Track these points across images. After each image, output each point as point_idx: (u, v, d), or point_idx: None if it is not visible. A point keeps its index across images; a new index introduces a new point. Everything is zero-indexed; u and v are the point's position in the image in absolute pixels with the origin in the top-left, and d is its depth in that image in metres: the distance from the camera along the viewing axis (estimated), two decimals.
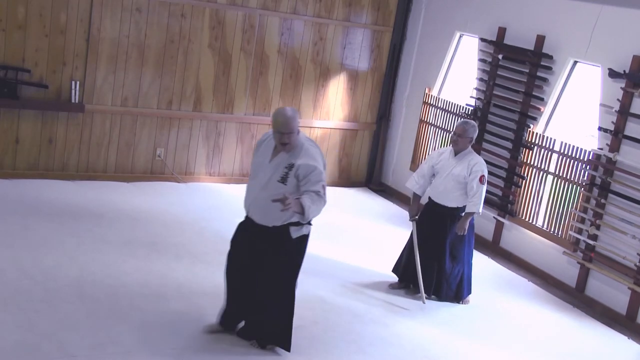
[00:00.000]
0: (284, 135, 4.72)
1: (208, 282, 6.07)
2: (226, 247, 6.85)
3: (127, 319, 5.22)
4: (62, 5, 7.67)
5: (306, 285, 6.33)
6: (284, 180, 4.76)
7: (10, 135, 7.76)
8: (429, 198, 6.51)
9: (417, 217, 6.45)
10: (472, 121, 6.56)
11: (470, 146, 6.34)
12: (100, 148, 8.17)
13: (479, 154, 7.01)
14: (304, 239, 5.00)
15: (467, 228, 6.29)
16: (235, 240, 5.11)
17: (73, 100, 7.83)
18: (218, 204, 8.17)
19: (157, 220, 7.27)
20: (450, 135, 8.66)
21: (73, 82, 7.83)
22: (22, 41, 7.57)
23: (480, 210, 6.28)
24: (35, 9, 7.56)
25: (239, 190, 8.67)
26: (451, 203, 6.33)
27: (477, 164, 6.25)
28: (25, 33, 7.57)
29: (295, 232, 4.89)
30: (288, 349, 5.03)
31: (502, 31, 8.16)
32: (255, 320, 5.07)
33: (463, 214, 6.30)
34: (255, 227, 4.91)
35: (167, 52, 8.28)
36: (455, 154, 6.33)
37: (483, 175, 6.25)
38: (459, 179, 6.25)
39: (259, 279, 4.95)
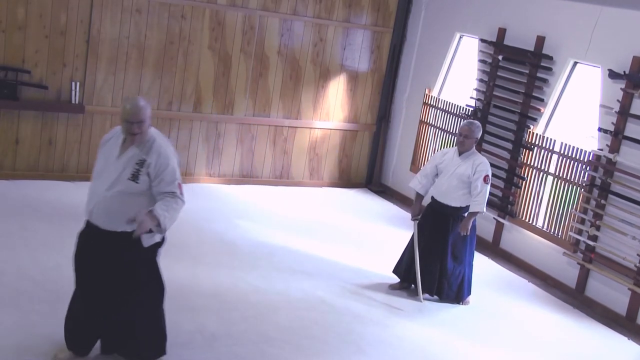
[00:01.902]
0: (134, 125, 4.25)
1: (208, 283, 6.07)
2: (227, 248, 6.90)
3: None
4: (62, 6, 7.68)
5: (306, 286, 6.34)
6: (135, 177, 4.27)
7: (10, 136, 7.76)
8: (432, 197, 6.50)
9: (419, 217, 6.45)
10: (477, 121, 6.56)
11: (474, 146, 6.36)
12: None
13: None
14: (158, 246, 4.48)
15: (470, 228, 6.28)
16: (79, 256, 4.46)
17: (73, 101, 7.83)
18: (218, 205, 8.17)
19: None
20: (451, 136, 8.73)
21: (73, 83, 7.83)
22: (22, 42, 7.57)
23: (484, 210, 6.28)
24: (36, 10, 7.56)
25: (240, 191, 8.76)
26: (454, 202, 6.32)
27: (482, 164, 6.26)
28: (26, 34, 7.57)
29: (147, 240, 4.34)
30: (164, 352, 4.68)
31: (502, 32, 8.16)
32: (129, 342, 4.53)
33: (466, 213, 6.30)
34: (101, 235, 4.33)
35: (167, 53, 8.28)
36: (460, 153, 6.34)
37: (487, 175, 6.26)
38: (463, 178, 6.25)
39: (119, 294, 4.40)
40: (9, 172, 7.76)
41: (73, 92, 7.82)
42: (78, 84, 7.85)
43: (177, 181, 4.37)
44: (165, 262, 6.30)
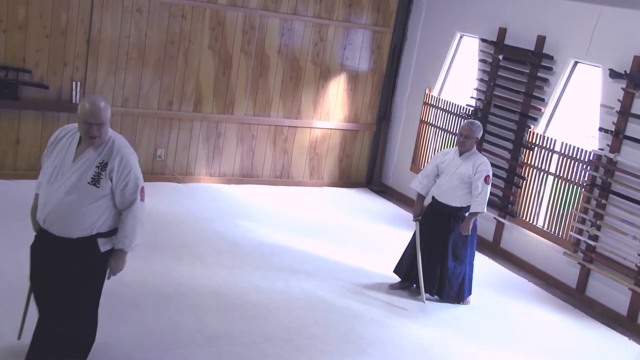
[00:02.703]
0: (93, 127, 3.97)
1: (208, 283, 6.07)
2: (228, 248, 6.90)
3: (128, 319, 5.22)
4: (63, 6, 7.68)
5: (306, 286, 6.34)
6: (95, 181, 4.02)
7: (11, 136, 7.76)
8: (433, 197, 6.50)
9: (420, 217, 6.45)
10: (477, 121, 6.56)
11: (475, 146, 6.36)
12: None
13: None
14: (109, 253, 4.25)
15: (470, 228, 6.28)
16: (36, 272, 4.25)
17: (73, 101, 7.83)
18: (218, 204, 8.17)
19: (158, 221, 7.26)
20: (452, 135, 8.73)
21: (74, 83, 7.83)
22: (23, 42, 7.57)
23: (485, 210, 6.28)
24: (36, 10, 7.56)
25: (240, 191, 8.76)
26: (455, 202, 6.32)
27: (483, 164, 6.26)
28: (26, 34, 7.57)
29: (103, 245, 4.17)
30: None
31: (502, 32, 8.16)
32: (62, 348, 4.30)
33: (467, 214, 6.30)
34: (55, 243, 4.10)
35: (167, 52, 8.28)
36: (461, 153, 6.33)
37: (488, 175, 6.26)
38: (463, 178, 6.25)
39: (66, 300, 4.20)
40: (10, 172, 7.76)
41: (74, 92, 7.82)
42: (79, 83, 7.85)
43: (140, 186, 4.16)
44: (165, 262, 6.34)
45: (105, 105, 4.02)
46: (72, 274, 4.15)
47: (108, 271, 4.30)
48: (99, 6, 7.83)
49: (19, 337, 4.61)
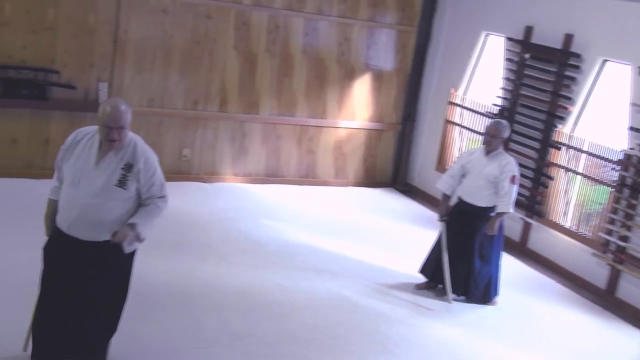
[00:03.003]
0: (114, 131, 3.95)
1: (233, 282, 6.08)
2: (252, 247, 6.91)
3: (153, 318, 5.24)
4: (90, 7, 7.74)
5: (331, 286, 6.33)
6: (122, 183, 4.02)
7: (40, 136, 7.84)
8: (459, 198, 6.46)
9: (446, 217, 6.41)
10: (504, 121, 6.50)
11: (502, 146, 6.30)
12: None
13: None
14: (134, 253, 4.27)
15: (497, 228, 6.23)
16: (52, 272, 4.17)
17: (100, 101, 7.89)
18: (243, 204, 8.18)
19: (183, 221, 7.29)
20: (477, 135, 8.66)
21: (100, 83, 7.90)
22: (52, 43, 7.65)
23: (512, 210, 6.22)
24: (65, 11, 7.63)
25: (265, 191, 8.77)
26: (481, 202, 6.27)
27: (509, 164, 6.20)
28: (55, 35, 7.64)
29: (128, 246, 4.13)
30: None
31: (529, 30, 8.08)
32: (84, 348, 4.28)
33: (493, 214, 6.25)
34: (80, 247, 4.06)
35: (192, 53, 8.31)
36: (487, 153, 6.28)
37: (514, 176, 6.20)
38: (489, 178, 6.20)
39: (90, 302, 4.17)
40: (40, 172, 7.83)
41: (100, 92, 7.88)
42: (106, 84, 7.91)
43: (164, 185, 4.19)
44: (190, 262, 6.36)
45: (125, 109, 4.00)
46: (98, 276, 4.14)
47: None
48: (126, 7, 7.89)
49: (25, 349, 4.41)
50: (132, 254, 4.25)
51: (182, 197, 8.06)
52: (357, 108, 9.39)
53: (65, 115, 7.86)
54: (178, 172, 8.56)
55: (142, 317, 5.20)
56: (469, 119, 8.92)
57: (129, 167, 4.05)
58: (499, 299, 6.51)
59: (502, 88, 8.36)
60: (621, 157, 7.00)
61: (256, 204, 8.26)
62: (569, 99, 7.61)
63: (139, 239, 4.11)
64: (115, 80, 8.01)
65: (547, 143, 7.77)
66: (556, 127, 7.70)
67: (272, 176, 9.12)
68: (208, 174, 8.76)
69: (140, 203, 4.17)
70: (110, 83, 7.98)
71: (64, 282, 4.13)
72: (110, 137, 3.97)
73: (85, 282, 4.12)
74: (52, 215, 4.22)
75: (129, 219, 4.09)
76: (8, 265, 5.67)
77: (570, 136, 7.57)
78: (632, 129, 6.93)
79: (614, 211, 7.02)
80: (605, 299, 7.00)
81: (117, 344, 4.71)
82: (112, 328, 4.37)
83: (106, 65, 7.95)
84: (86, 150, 4.07)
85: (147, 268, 6.00)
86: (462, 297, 6.43)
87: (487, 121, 8.39)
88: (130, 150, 4.08)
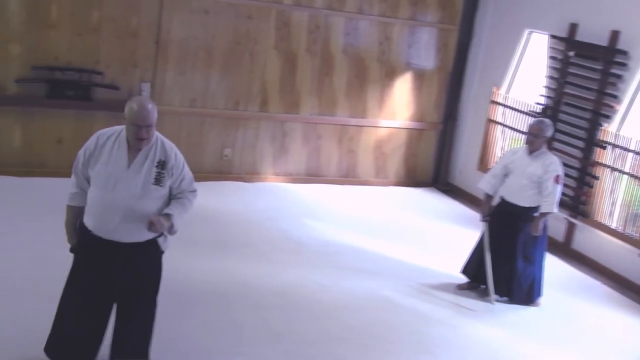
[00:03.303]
0: (142, 129, 3.94)
1: (273, 282, 6.09)
2: (293, 247, 6.92)
3: (194, 316, 5.28)
4: (133, 8, 7.85)
5: (372, 285, 6.31)
6: (159, 181, 4.02)
7: (84, 136, 7.82)
8: (501, 198, 6.38)
9: (489, 217, 6.34)
10: (548, 120, 6.41)
11: (545, 146, 6.21)
12: None
13: None
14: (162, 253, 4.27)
15: (541, 228, 6.14)
16: (88, 278, 4.10)
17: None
18: (284, 203, 8.21)
19: (224, 220, 7.35)
20: (520, 134, 8.55)
21: (143, 84, 8.00)
22: (96, 44, 7.77)
23: (555, 210, 6.12)
24: (108, 13, 7.75)
25: (305, 190, 8.78)
26: (524, 202, 6.19)
27: (553, 164, 6.11)
28: (99, 36, 7.76)
29: (163, 244, 4.18)
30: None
31: (573, 27, 7.95)
32: (129, 346, 4.29)
33: (536, 214, 6.16)
34: (117, 250, 4.03)
35: (234, 53, 8.37)
36: (530, 153, 6.20)
37: (558, 175, 6.11)
38: (533, 178, 6.12)
39: (134, 302, 4.20)
40: None
41: (143, 93, 7.98)
42: (148, 84, 8.01)
43: (192, 179, 4.22)
44: (231, 261, 6.40)
45: (152, 107, 3.99)
46: (140, 276, 4.15)
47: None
48: (168, 8, 7.98)
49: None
50: (161, 253, 4.26)
51: (222, 196, 8.12)
52: (398, 107, 9.34)
53: (109, 116, 7.96)
54: (219, 172, 8.63)
55: (182, 316, 5.25)
56: (511, 118, 8.82)
57: (162, 164, 4.05)
58: (542, 300, 6.42)
59: (546, 86, 8.25)
60: None
61: (296, 204, 8.28)
62: (615, 97, 7.46)
63: (171, 230, 4.10)
64: (157, 80, 8.10)
65: (592, 142, 7.63)
66: (601, 125, 7.56)
67: (312, 176, 9.13)
68: (249, 174, 8.81)
69: (171, 198, 4.18)
70: (152, 83, 8.08)
71: (105, 287, 4.09)
72: (140, 136, 3.96)
73: (129, 284, 4.12)
74: (74, 222, 4.17)
75: (164, 210, 4.09)
76: (61, 260, 5.76)
77: (616, 135, 7.43)
78: None
79: None
80: None
81: (158, 343, 4.76)
82: (153, 327, 4.39)
83: (149, 65, 8.04)
84: (115, 153, 4.03)
85: (187, 267, 6.07)
86: (505, 298, 6.35)
87: (529, 120, 8.29)
88: (159, 147, 4.08)
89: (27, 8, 7.44)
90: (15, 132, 7.69)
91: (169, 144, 4.14)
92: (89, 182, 4.10)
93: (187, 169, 4.19)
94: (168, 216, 4.06)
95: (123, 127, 4.09)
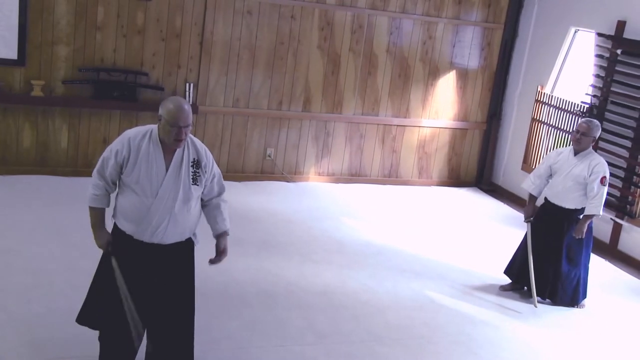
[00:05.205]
0: (182, 130, 3.87)
1: (316, 281, 6.12)
2: (335, 247, 6.94)
3: (238, 315, 5.34)
4: (178, 10, 7.95)
5: (415, 286, 6.30)
6: (196, 180, 4.02)
7: None
8: (545, 199, 6.30)
9: (532, 218, 6.27)
10: (596, 120, 6.30)
11: (591, 146, 6.11)
12: (212, 148, 8.37)
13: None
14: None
15: (585, 231, 6.05)
16: (143, 286, 4.06)
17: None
18: (327, 203, 8.23)
19: (267, 219, 7.40)
20: (565, 134, 8.43)
21: (187, 84, 8.09)
22: (141, 46, 7.89)
23: (601, 213, 6.01)
24: (153, 15, 7.86)
25: (348, 190, 8.79)
26: (569, 204, 6.10)
27: (599, 165, 6.00)
28: (144, 38, 7.89)
29: (196, 239, 4.20)
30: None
31: (621, 25, 7.81)
32: (180, 348, 4.27)
33: (581, 216, 6.06)
34: (162, 251, 4.04)
35: (277, 53, 8.42)
36: (575, 153, 6.10)
37: (605, 177, 5.99)
38: (578, 179, 6.02)
39: (180, 301, 4.19)
40: None
41: (187, 93, 8.08)
42: (192, 85, 8.10)
43: (222, 176, 4.24)
44: (275, 260, 6.44)
45: (189, 107, 3.94)
46: (180, 272, 4.17)
47: (214, 257, 4.24)
48: (212, 9, 8.06)
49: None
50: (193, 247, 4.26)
51: (266, 196, 8.18)
52: (441, 107, 9.29)
53: (154, 116, 8.07)
54: (262, 172, 8.69)
55: (228, 313, 5.31)
56: (556, 118, 8.70)
57: (197, 163, 4.03)
58: (587, 302, 6.33)
59: (592, 85, 8.12)
60: None
61: (339, 204, 8.29)
62: None
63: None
64: (201, 81, 8.19)
65: None
66: None
67: (355, 175, 9.14)
68: (292, 174, 8.85)
69: (205, 199, 4.17)
70: (196, 84, 8.17)
71: (149, 291, 4.07)
72: (180, 137, 3.89)
73: (174, 285, 4.13)
74: (102, 224, 4.11)
75: (220, 228, 4.19)
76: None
77: None
78: None
79: None
80: None
81: (202, 343, 4.83)
82: (194, 322, 4.36)
83: (193, 66, 8.14)
84: (152, 155, 3.95)
85: (231, 266, 6.12)
86: (548, 301, 6.28)
87: (575, 119, 8.18)
88: (190, 146, 4.04)
89: (75, 10, 7.59)
90: (63, 132, 7.86)
91: (198, 142, 4.13)
92: (116, 185, 4.07)
93: (217, 167, 4.21)
94: (225, 233, 4.20)
95: (152, 127, 4.03)
